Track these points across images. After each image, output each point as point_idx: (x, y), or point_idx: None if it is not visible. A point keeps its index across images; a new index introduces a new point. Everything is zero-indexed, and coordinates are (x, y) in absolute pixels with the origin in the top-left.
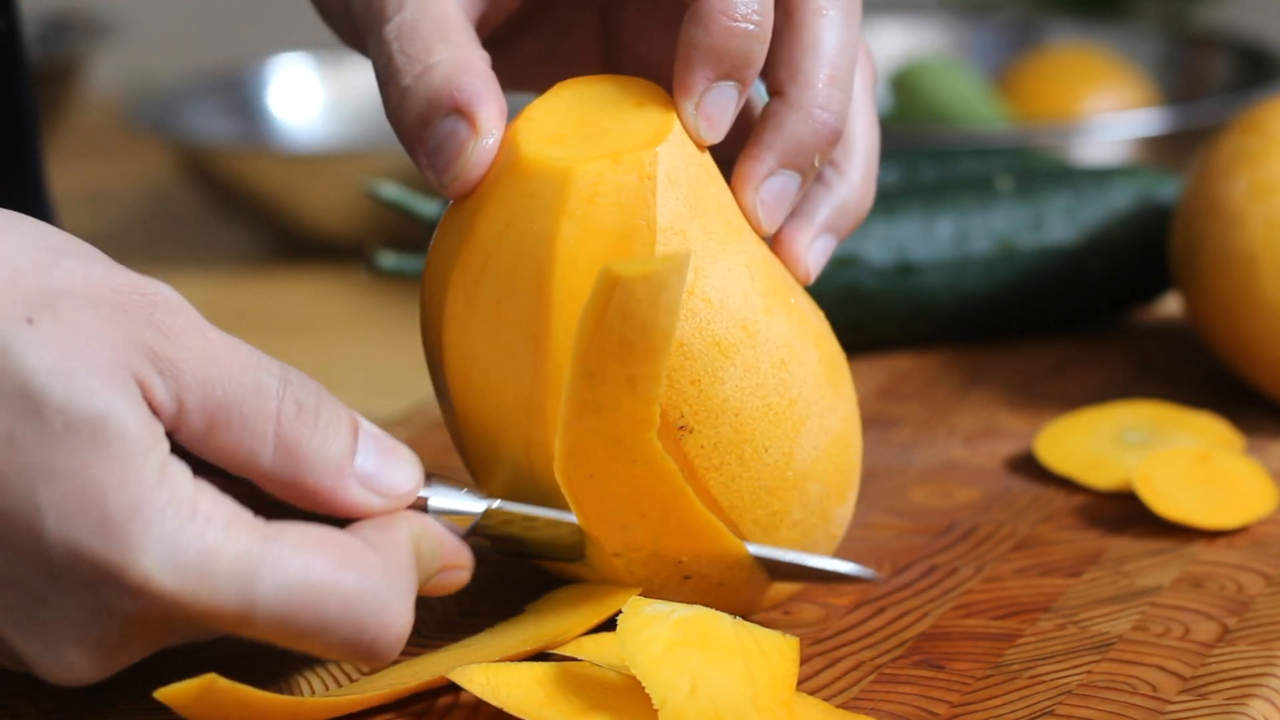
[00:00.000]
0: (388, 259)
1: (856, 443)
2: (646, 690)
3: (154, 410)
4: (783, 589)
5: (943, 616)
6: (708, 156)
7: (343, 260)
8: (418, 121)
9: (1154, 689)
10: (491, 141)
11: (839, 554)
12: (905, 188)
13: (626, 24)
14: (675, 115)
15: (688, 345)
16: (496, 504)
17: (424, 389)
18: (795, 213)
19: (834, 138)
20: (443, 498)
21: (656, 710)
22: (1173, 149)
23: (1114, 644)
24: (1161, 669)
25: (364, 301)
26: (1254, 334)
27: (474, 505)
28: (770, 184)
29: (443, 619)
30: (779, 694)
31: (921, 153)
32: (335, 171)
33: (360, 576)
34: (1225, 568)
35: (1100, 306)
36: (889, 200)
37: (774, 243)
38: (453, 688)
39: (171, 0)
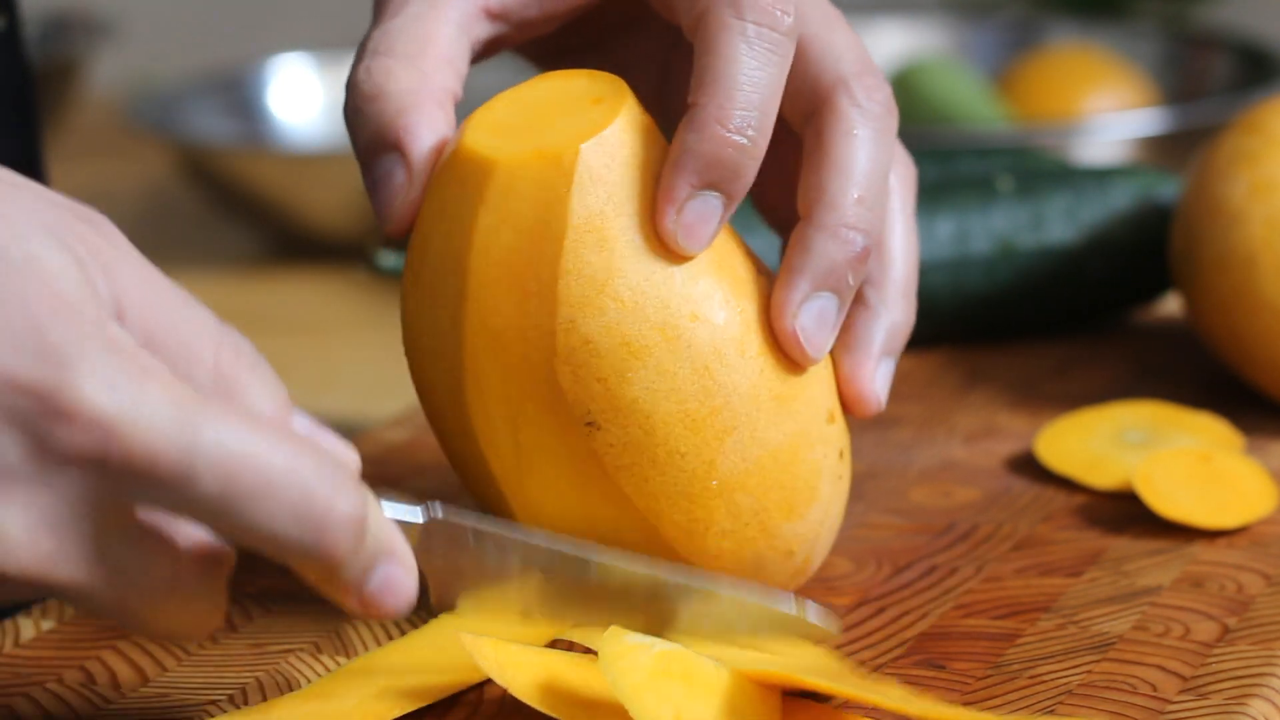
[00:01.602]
0: (388, 259)
1: (813, 459)
2: (631, 716)
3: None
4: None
5: (943, 616)
6: (662, 154)
7: (343, 260)
8: (364, 150)
9: (1154, 689)
10: (419, 191)
11: (837, 554)
12: None
13: (685, 74)
14: (625, 110)
15: (594, 343)
16: (440, 515)
17: None
18: (851, 345)
19: (864, 255)
20: (389, 505)
21: None
22: (1173, 149)
23: (1114, 644)
24: (1161, 669)
25: (364, 301)
26: (1254, 334)
27: (417, 516)
28: (808, 309)
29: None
30: None
31: (921, 153)
32: (335, 171)
33: (306, 449)
34: (1225, 568)
35: (1100, 306)
36: None
37: (838, 380)
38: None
39: (171, 0)
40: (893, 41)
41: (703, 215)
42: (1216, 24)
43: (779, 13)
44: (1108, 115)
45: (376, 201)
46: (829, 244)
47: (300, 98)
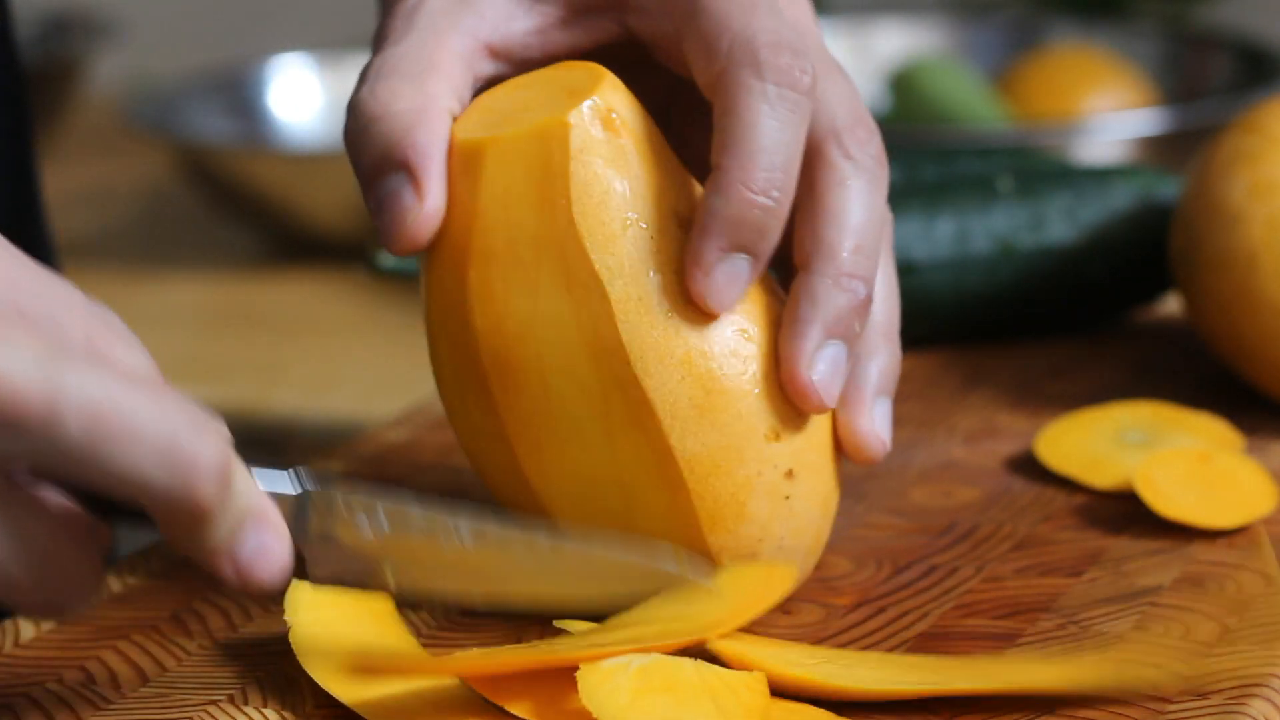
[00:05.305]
0: (388, 259)
1: (733, 469)
2: None
3: None
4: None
5: (943, 616)
6: (649, 131)
7: (343, 260)
8: (370, 169)
9: (1154, 689)
10: (432, 207)
11: (837, 554)
12: (905, 188)
13: (685, 126)
14: (606, 88)
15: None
16: (311, 485)
17: (424, 389)
18: (843, 397)
19: (867, 303)
20: (263, 478)
21: None
22: (1173, 149)
23: (1114, 644)
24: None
25: (364, 301)
26: (1254, 334)
27: (289, 486)
28: (822, 358)
29: (443, 617)
30: None
31: (921, 153)
32: (335, 171)
33: (171, 400)
34: (1225, 568)
35: (1100, 306)
36: (889, 200)
37: (839, 429)
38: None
39: (171, 0)
40: (893, 41)
41: (731, 277)
42: (1216, 24)
43: (798, 73)
44: (1108, 115)
45: (382, 221)
46: (833, 293)
47: (300, 98)
